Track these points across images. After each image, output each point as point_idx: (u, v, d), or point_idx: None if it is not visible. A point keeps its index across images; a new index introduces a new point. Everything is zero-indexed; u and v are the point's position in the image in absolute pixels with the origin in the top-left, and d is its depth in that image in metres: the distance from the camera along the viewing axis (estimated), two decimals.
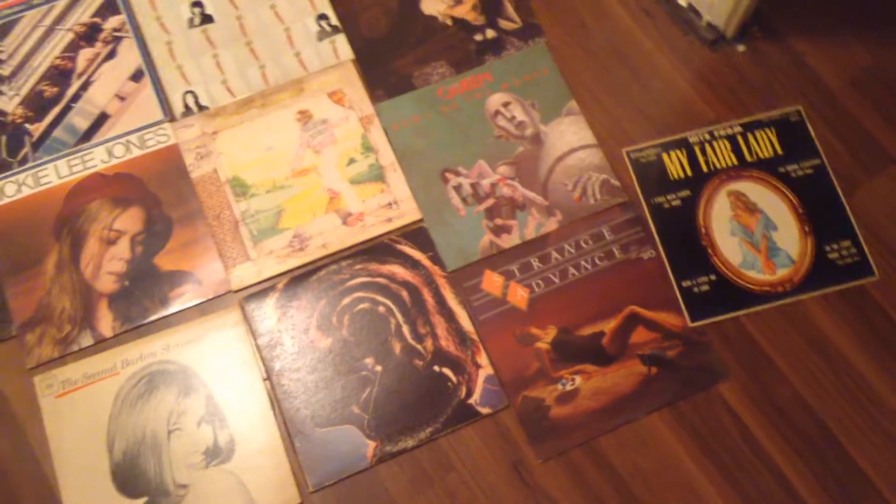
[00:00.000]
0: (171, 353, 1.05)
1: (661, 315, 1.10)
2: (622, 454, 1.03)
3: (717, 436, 1.05)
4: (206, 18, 1.22)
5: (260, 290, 1.09)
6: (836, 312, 1.11)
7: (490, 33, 1.24)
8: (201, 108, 1.17)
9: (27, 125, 1.16)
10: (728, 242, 1.14)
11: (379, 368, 1.05)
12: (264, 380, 1.04)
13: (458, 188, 1.15)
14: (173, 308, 1.08)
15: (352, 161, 1.16)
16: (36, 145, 1.15)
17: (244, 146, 1.16)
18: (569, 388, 1.06)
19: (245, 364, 1.05)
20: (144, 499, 0.98)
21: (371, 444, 1.02)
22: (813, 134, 1.20)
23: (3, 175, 1.13)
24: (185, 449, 1.01)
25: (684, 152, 1.18)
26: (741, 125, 1.20)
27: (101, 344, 1.06)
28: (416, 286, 1.10)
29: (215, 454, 1.00)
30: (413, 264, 1.11)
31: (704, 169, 1.18)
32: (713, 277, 1.12)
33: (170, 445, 1.00)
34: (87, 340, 1.06)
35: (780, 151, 1.19)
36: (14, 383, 1.04)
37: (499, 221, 1.14)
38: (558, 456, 1.03)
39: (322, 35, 1.22)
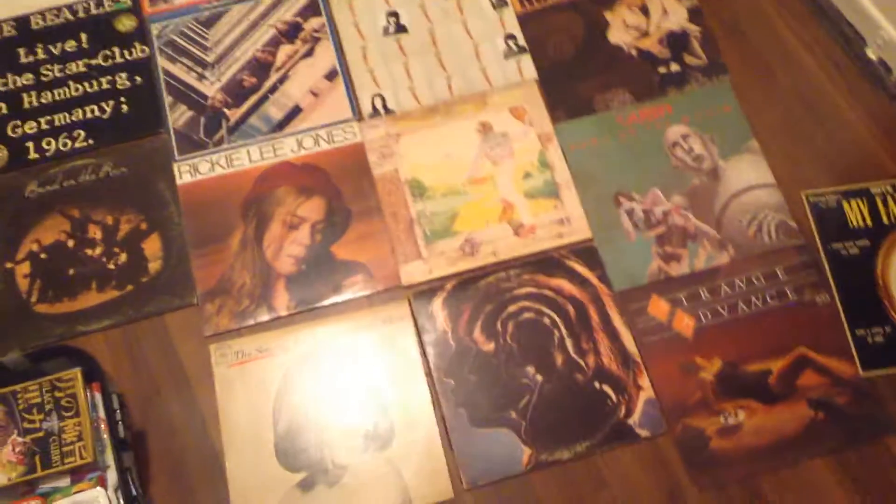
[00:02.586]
0: (340, 339, 1.08)
1: (831, 361, 1.07)
2: (782, 496, 1.00)
3: (883, 491, 1.00)
4: (401, 28, 1.28)
5: (429, 289, 1.12)
6: None
7: (674, 67, 1.25)
8: (388, 111, 1.22)
9: (225, 110, 1.23)
10: None
11: (540, 378, 1.06)
12: (426, 374, 1.06)
13: (630, 212, 1.16)
14: (345, 296, 1.11)
15: (528, 175, 1.18)
16: (231, 129, 1.21)
17: (425, 150, 1.20)
18: (731, 422, 1.04)
19: (409, 358, 1.07)
20: (304, 473, 1.00)
21: (527, 451, 1.02)
22: None
23: (198, 154, 1.20)
24: (346, 431, 1.03)
25: (865, 202, 1.16)
26: None
27: (275, 321, 1.10)
28: (583, 302, 1.10)
29: (374, 440, 1.02)
30: (580, 281, 1.12)
31: (885, 221, 1.15)
32: (888, 329, 1.09)
33: (332, 426, 1.02)
34: (263, 316, 1.10)
35: None
36: (191, 349, 1.09)
37: (669, 249, 1.14)
38: (717, 489, 1.01)
39: (508, 54, 1.26)
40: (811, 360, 1.07)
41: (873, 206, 1.16)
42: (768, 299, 1.11)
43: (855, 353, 1.08)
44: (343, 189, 1.18)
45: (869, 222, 1.15)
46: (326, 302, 1.11)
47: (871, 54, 1.25)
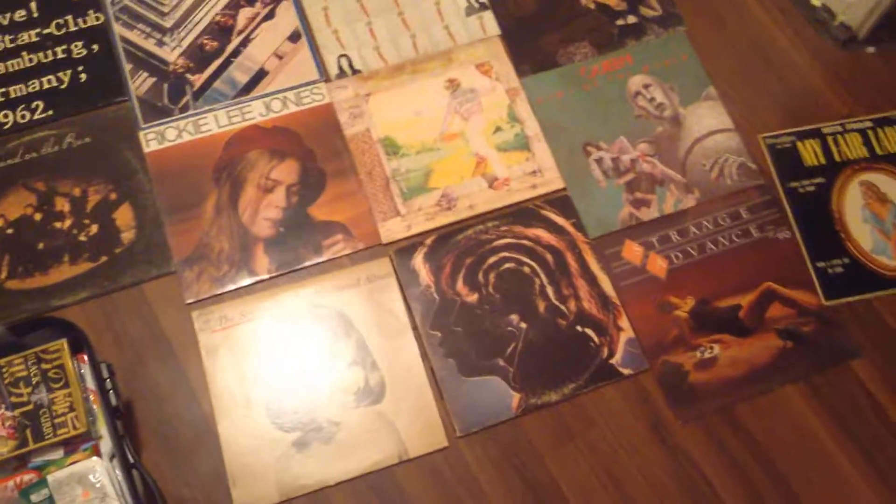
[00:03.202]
0: (324, 298, 1.08)
1: (796, 292, 1.13)
2: (759, 422, 1.05)
3: (852, 410, 1.07)
4: None
5: (409, 245, 1.13)
6: None
7: (631, 19, 1.28)
8: (354, 71, 1.22)
9: (188, 75, 1.21)
10: (860, 229, 1.17)
11: (524, 325, 1.08)
12: (413, 329, 1.07)
13: (599, 161, 1.19)
14: (326, 256, 1.12)
15: (498, 129, 1.20)
16: (196, 94, 1.20)
17: (395, 109, 1.21)
18: (707, 355, 1.08)
19: (394, 313, 1.08)
20: (298, 433, 1.01)
21: (516, 396, 1.05)
22: None
23: (164, 120, 1.18)
24: (337, 388, 1.04)
25: (818, 142, 1.22)
26: (871, 121, 1.24)
27: (256, 285, 1.10)
28: (560, 250, 1.13)
29: (366, 395, 1.03)
30: (557, 229, 1.14)
31: (837, 158, 1.21)
32: (846, 260, 1.15)
33: (322, 385, 1.03)
34: (244, 280, 1.10)
35: None
36: (172, 317, 1.08)
37: (638, 195, 1.17)
38: (697, 419, 1.05)
39: (470, 11, 1.27)
40: (777, 293, 1.13)
41: (825, 146, 1.22)
42: (734, 238, 1.16)
43: (817, 285, 1.13)
44: (316, 150, 1.17)
45: (822, 161, 1.21)
46: (308, 263, 1.11)
47: (815, 0, 1.31)
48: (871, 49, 1.29)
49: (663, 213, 1.17)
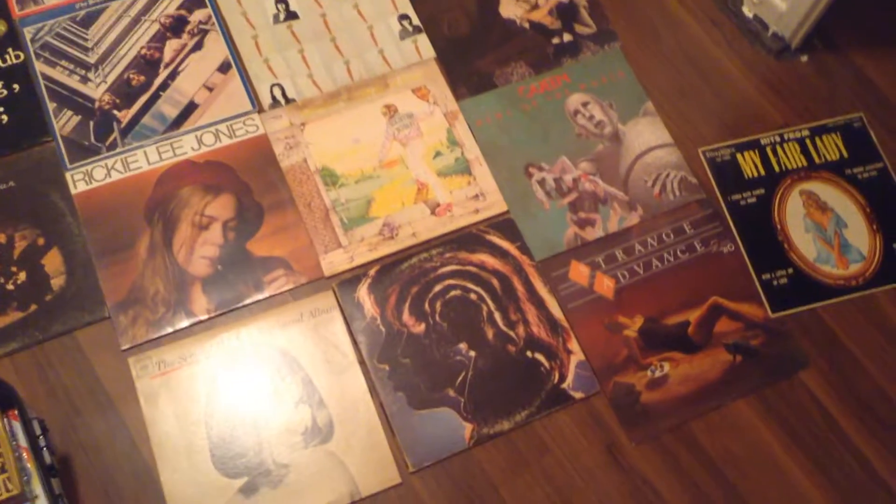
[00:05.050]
0: (267, 337, 1.05)
1: (742, 306, 1.13)
2: (713, 438, 1.05)
3: (802, 421, 1.07)
4: (291, 15, 1.25)
5: (352, 277, 1.10)
6: None
7: (567, 37, 1.28)
8: (288, 100, 1.20)
9: (115, 111, 1.17)
10: (803, 238, 1.18)
11: (473, 353, 1.07)
12: (360, 363, 1.05)
13: (541, 182, 1.18)
14: (267, 292, 1.08)
15: (438, 154, 1.19)
16: (124, 131, 1.16)
17: (332, 137, 1.18)
18: (658, 374, 1.08)
19: (340, 348, 1.05)
20: (245, 478, 0.98)
21: (468, 427, 1.03)
22: (875, 139, 1.25)
23: (91, 160, 1.14)
24: (284, 429, 1.00)
25: (757, 153, 1.23)
26: (808, 129, 1.25)
27: (195, 326, 1.06)
28: (506, 275, 1.12)
29: (314, 435, 1.01)
30: (502, 254, 1.13)
31: (777, 169, 1.22)
32: (790, 271, 1.16)
33: (269, 426, 1.00)
34: (181, 323, 1.06)
35: (845, 154, 1.24)
36: (108, 365, 1.04)
37: (582, 215, 1.16)
38: (651, 440, 1.04)
39: (404, 34, 1.26)
40: (724, 308, 1.13)
41: (764, 157, 1.23)
42: (679, 254, 1.15)
43: (763, 297, 1.14)
44: (251, 184, 1.14)
45: (762, 171, 1.22)
46: (248, 301, 1.08)
47: (748, 11, 1.32)
48: (804, 58, 1.31)
49: (608, 232, 1.16)
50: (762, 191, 1.20)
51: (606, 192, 1.18)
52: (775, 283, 1.14)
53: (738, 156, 1.22)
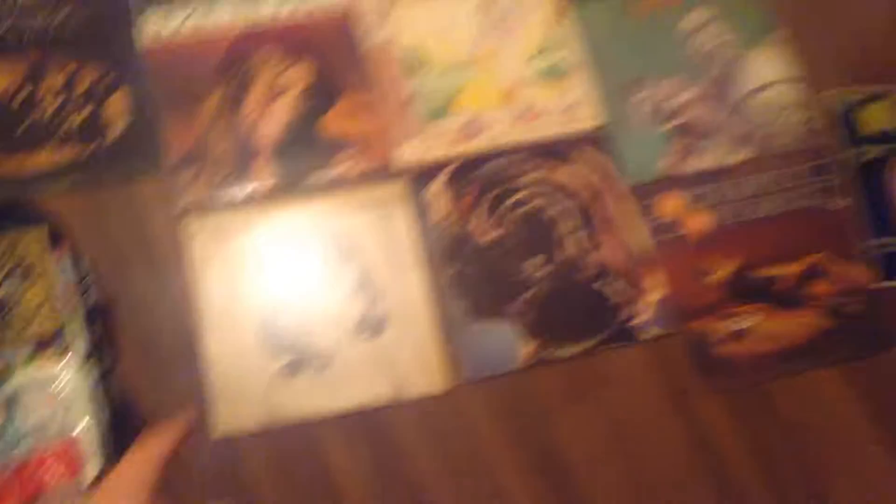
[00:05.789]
0: (329, 219, 0.99)
1: (846, 268, 1.02)
2: (791, 404, 0.96)
3: (891, 399, 0.97)
4: None
5: (426, 171, 1.02)
6: None
7: None
8: None
9: None
10: None
11: (542, 272, 0.99)
12: (423, 263, 0.97)
13: (645, 101, 1.08)
14: (335, 173, 1.01)
15: (537, 54, 1.09)
16: None
17: (423, 19, 1.09)
18: (740, 326, 0.99)
19: (404, 244, 0.98)
20: (290, 358, 0.92)
21: (527, 346, 0.95)
22: None
23: (169, 4, 1.06)
24: (335, 316, 0.94)
25: (887, 105, 1.10)
26: None
27: (257, 195, 1.00)
28: (591, 195, 1.03)
29: (366, 327, 0.94)
30: (591, 171, 1.03)
31: None
32: None
33: (320, 311, 0.94)
34: (244, 189, 0.99)
35: None
36: (163, 221, 0.98)
37: (685, 143, 1.06)
38: (724, 392, 0.96)
39: None
40: (825, 268, 1.02)
41: (894, 109, 1.10)
42: (785, 202, 1.05)
43: (872, 262, 1.03)
44: (331, 58, 1.06)
45: (891, 126, 1.10)
46: (315, 178, 1.01)
47: None
48: None
49: (709, 167, 1.06)
50: (887, 147, 1.08)
51: (714, 123, 1.07)
52: (886, 249, 1.03)
53: (868, 106, 1.10)
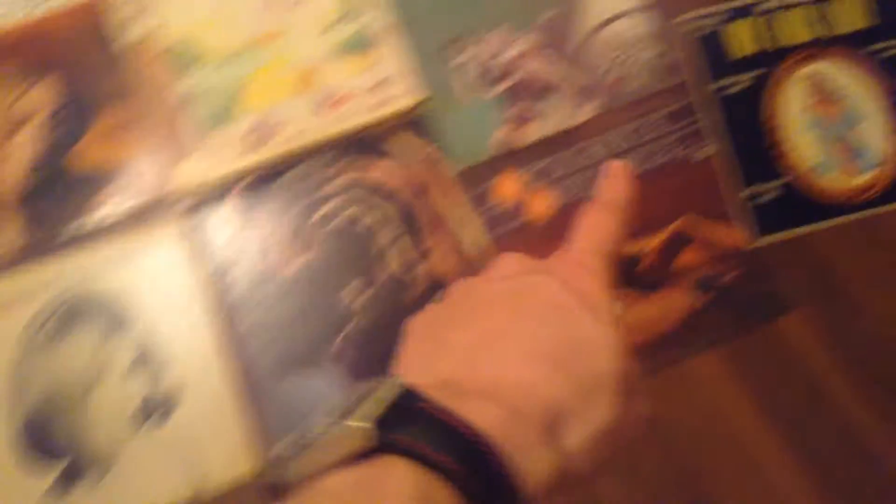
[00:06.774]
0: (94, 278, 0.81)
1: (716, 231, 0.88)
2: (667, 403, 0.83)
3: (779, 379, 0.86)
4: None
5: (210, 195, 0.85)
6: None
7: None
8: None
9: None
10: (801, 140, 0.92)
11: (362, 299, 0.83)
12: (217, 311, 0.81)
13: (469, 62, 0.90)
14: (95, 217, 0.83)
15: (333, 24, 0.90)
16: None
17: (191, 1, 0.88)
18: None
19: (190, 294, 0.82)
20: (60, 466, 0.77)
21: None
22: None
23: None
24: (111, 404, 0.79)
25: (751, 24, 0.93)
26: None
27: (3, 263, 0.82)
28: (413, 191, 0.86)
29: (150, 410, 0.79)
30: (410, 162, 0.87)
31: (775, 45, 0.93)
32: (781, 184, 0.90)
33: (94, 399, 0.78)
34: None
35: (870, 22, 0.95)
36: None
37: (520, 108, 0.89)
38: None
39: None
40: (691, 234, 0.88)
41: (760, 29, 0.94)
42: (642, 160, 0.89)
43: (743, 219, 0.89)
44: (83, 67, 0.86)
45: (756, 48, 0.93)
46: (72, 229, 0.83)
47: None
48: None
49: (550, 132, 0.89)
50: (754, 75, 0.92)
51: (553, 75, 0.90)
52: (760, 199, 0.89)
53: (727, 28, 0.93)
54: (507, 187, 0.88)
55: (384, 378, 0.40)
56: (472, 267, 0.85)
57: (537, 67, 0.90)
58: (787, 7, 0.94)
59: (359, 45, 0.90)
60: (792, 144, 0.91)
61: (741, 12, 0.93)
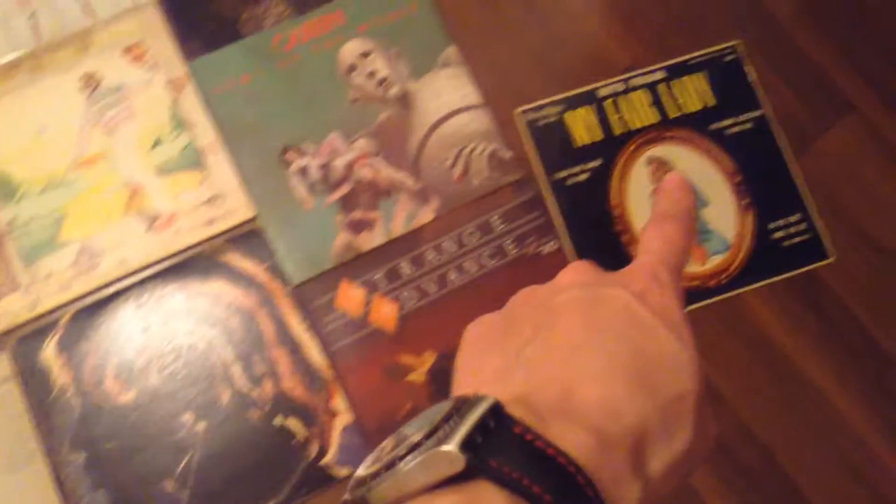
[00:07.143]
0: None
1: None
2: None
3: None
4: None
5: (36, 330, 0.82)
6: (783, 307, 0.89)
7: None
8: None
9: None
10: None
11: (201, 427, 0.80)
12: (46, 453, 0.78)
13: (302, 172, 0.88)
14: None
15: (158, 143, 0.87)
16: None
17: (9, 128, 0.87)
18: None
19: (17, 433, 0.78)
20: None
21: None
22: (753, 77, 0.95)
23: None
24: None
25: (593, 110, 0.93)
26: (664, 70, 0.95)
27: None
28: (250, 310, 0.83)
29: None
30: (245, 280, 0.84)
31: (618, 130, 0.93)
32: None
33: None
34: None
35: (712, 102, 0.94)
36: None
37: (357, 215, 0.87)
38: None
39: None
40: None
41: (602, 114, 0.93)
42: (485, 260, 0.88)
43: None
44: None
45: (599, 136, 0.92)
46: None
47: None
48: None
49: (391, 237, 0.87)
50: (598, 163, 0.91)
51: (391, 179, 0.88)
52: None
53: (568, 116, 0.92)
54: (349, 297, 0.86)
55: (470, 395, 0.36)
56: (316, 382, 0.82)
57: (370, 173, 0.89)
58: (631, 90, 0.93)
59: (187, 162, 0.87)
60: (639, 231, 0.90)
61: (583, 99, 0.93)
